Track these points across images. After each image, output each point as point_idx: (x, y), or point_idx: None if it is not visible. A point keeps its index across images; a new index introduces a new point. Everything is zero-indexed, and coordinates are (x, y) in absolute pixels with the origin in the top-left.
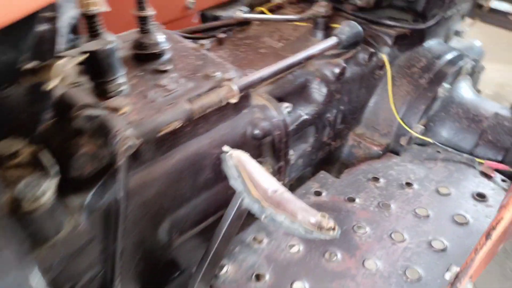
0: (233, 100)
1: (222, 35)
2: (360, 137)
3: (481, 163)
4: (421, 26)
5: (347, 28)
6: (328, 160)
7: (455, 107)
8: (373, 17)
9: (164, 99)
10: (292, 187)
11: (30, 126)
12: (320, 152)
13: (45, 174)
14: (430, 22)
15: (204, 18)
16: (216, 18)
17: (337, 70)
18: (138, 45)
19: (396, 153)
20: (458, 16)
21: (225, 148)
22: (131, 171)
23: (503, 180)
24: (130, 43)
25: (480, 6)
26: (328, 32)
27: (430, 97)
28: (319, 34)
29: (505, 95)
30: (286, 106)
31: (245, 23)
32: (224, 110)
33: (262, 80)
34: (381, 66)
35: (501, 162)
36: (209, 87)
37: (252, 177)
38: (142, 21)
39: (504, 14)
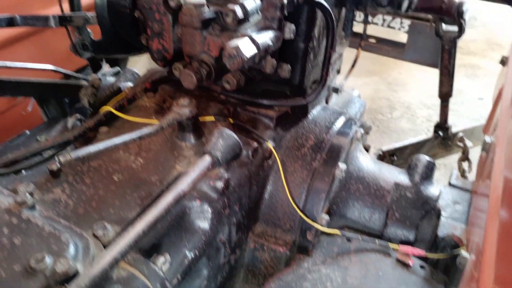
0: None
1: (55, 166)
2: (261, 237)
3: (396, 249)
4: (303, 102)
5: (220, 141)
6: (231, 274)
7: (354, 183)
8: (247, 96)
9: None
10: None
11: None
12: (219, 275)
13: None
14: (312, 96)
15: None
16: None
17: (220, 185)
18: None
19: (305, 250)
20: (334, 72)
21: None
22: None
23: (421, 267)
24: None
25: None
26: (198, 131)
27: (328, 182)
28: (188, 137)
29: (377, 108)
30: (162, 262)
31: (88, 131)
32: None
33: (123, 255)
34: (269, 155)
35: (414, 241)
36: None
37: None
38: None
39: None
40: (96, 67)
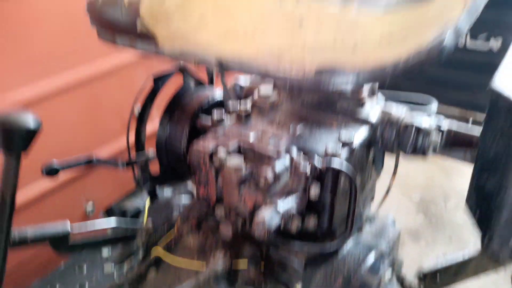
0: None
1: None
2: None
3: None
4: (329, 249)
5: None
6: None
7: None
8: (279, 239)
9: None
10: None
11: None
12: None
13: None
14: (338, 243)
15: (111, 212)
16: (123, 212)
17: None
18: None
19: None
20: (368, 201)
21: None
22: None
23: None
24: None
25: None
26: (233, 276)
27: None
28: (223, 285)
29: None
30: None
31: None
32: None
33: None
34: None
35: None
36: None
37: None
38: None
39: None
40: (153, 195)
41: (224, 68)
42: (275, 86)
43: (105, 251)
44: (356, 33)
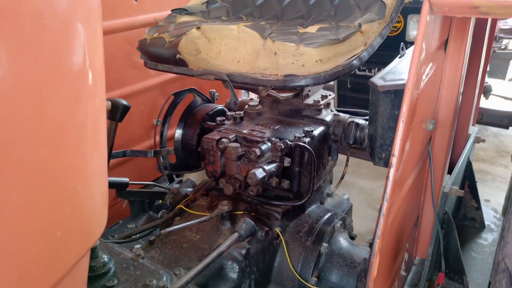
0: None
1: (151, 237)
2: None
3: None
4: (298, 202)
5: (243, 225)
6: None
7: (336, 258)
8: (264, 199)
9: None
10: None
11: None
12: None
13: None
14: (305, 199)
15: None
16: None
17: (243, 252)
18: (90, 269)
19: None
20: (327, 183)
21: None
22: None
23: None
24: None
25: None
26: (232, 220)
27: (315, 255)
28: (227, 223)
29: None
30: None
31: (169, 220)
32: None
33: (188, 283)
34: (277, 237)
35: None
36: None
37: None
38: (92, 251)
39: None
40: (171, 179)
41: (231, 80)
42: (260, 101)
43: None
44: (303, 57)
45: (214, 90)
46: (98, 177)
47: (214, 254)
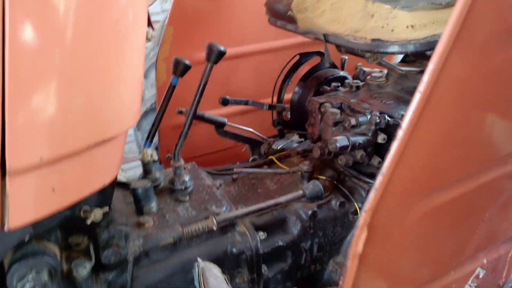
0: (214, 228)
1: (235, 176)
2: (338, 265)
3: None
4: None
5: (311, 186)
6: (310, 279)
7: None
8: (354, 172)
9: (173, 221)
10: None
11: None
12: (299, 272)
13: (89, 259)
14: None
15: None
16: None
17: (309, 212)
18: (171, 182)
19: None
20: None
21: (198, 259)
22: (142, 264)
23: None
24: (168, 178)
25: None
26: (310, 180)
27: None
28: (304, 182)
29: None
30: (261, 235)
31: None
32: (212, 232)
33: (242, 216)
34: (355, 212)
35: None
36: (202, 217)
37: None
38: (177, 170)
39: None
40: (281, 135)
41: (327, 40)
42: (387, 74)
43: None
44: (394, 21)
45: (346, 57)
46: (133, 79)
47: (271, 202)
